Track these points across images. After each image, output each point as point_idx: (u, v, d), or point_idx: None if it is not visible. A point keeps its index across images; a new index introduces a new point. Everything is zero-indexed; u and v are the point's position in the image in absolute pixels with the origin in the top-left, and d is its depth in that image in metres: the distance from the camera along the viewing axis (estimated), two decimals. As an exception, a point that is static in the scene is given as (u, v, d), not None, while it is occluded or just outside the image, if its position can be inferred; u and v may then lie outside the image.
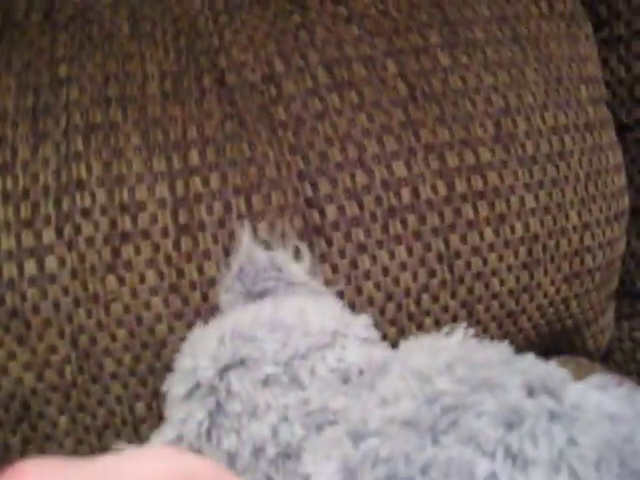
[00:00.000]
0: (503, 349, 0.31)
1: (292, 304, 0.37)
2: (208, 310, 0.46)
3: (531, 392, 0.27)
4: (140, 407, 0.48)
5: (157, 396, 0.47)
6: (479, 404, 0.27)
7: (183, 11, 0.53)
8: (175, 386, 0.35)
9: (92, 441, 0.48)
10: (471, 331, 0.32)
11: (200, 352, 0.35)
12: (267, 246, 0.44)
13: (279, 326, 0.34)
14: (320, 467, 0.28)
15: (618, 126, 0.61)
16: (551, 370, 0.29)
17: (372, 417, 0.29)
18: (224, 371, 0.33)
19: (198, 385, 0.34)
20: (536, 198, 0.51)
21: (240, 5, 0.52)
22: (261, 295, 0.40)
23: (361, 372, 0.33)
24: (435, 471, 0.26)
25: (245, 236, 0.42)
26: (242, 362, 0.33)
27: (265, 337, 0.34)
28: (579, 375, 0.58)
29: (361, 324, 0.37)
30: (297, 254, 0.44)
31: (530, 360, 0.30)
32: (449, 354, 0.30)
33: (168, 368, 0.39)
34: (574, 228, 0.53)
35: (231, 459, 0.32)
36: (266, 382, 0.32)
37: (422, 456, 0.26)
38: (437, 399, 0.28)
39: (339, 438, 0.29)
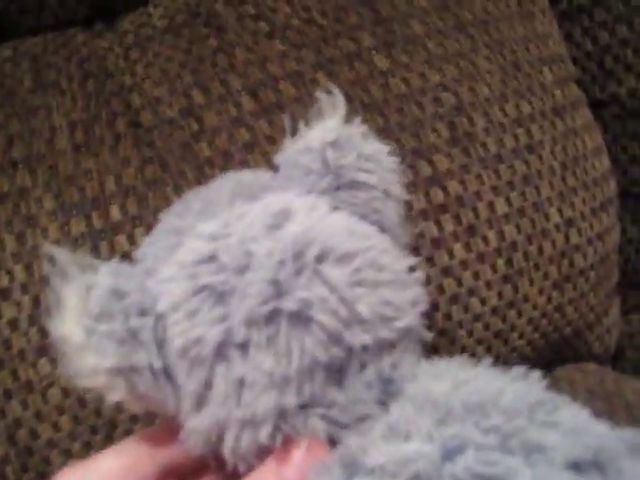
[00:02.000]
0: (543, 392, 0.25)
1: None
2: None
3: (577, 466, 0.21)
4: (96, 500, 0.43)
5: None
6: (512, 477, 0.21)
7: (91, 52, 0.48)
8: None
9: None
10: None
11: None
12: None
13: None
14: None
15: (592, 104, 0.55)
16: (606, 437, 0.23)
17: (373, 449, 0.23)
18: None
19: None
20: (507, 201, 0.45)
21: (151, 36, 0.47)
22: (348, 187, 0.30)
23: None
24: None
25: (339, 99, 0.31)
26: None
27: None
28: (589, 384, 0.52)
29: None
30: None
31: (578, 416, 0.24)
32: (476, 390, 0.24)
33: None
34: (556, 227, 0.47)
35: None
36: None
37: None
38: (460, 451, 0.22)
39: (330, 463, 0.24)
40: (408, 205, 0.43)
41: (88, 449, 0.42)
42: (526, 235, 0.46)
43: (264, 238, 0.26)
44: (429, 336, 0.29)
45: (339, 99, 0.31)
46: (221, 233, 0.26)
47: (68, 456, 0.42)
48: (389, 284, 0.26)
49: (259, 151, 0.43)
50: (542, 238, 0.46)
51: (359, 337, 0.25)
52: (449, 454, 0.22)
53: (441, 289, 0.44)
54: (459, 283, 0.44)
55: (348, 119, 0.30)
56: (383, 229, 0.29)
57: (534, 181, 0.46)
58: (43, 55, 0.47)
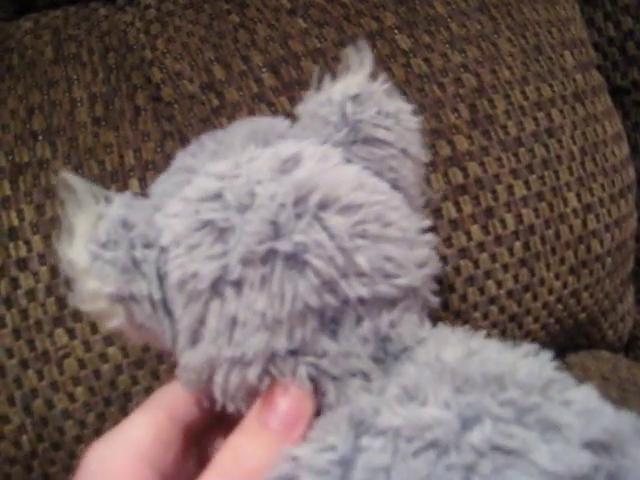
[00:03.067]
0: (553, 368, 0.25)
1: None
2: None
3: (589, 446, 0.21)
4: (109, 471, 0.43)
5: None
6: (529, 452, 0.21)
7: (111, 26, 0.47)
8: None
9: (62, 514, 0.43)
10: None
11: None
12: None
13: None
14: None
15: (613, 90, 0.54)
16: (617, 419, 0.23)
17: (387, 410, 0.23)
18: None
19: None
20: (526, 184, 0.45)
21: (173, 11, 0.47)
22: (364, 142, 0.29)
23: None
24: None
25: (367, 57, 0.31)
26: None
27: None
28: (602, 371, 0.52)
29: None
30: None
31: (590, 397, 0.24)
32: (491, 360, 0.24)
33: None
34: (574, 212, 0.47)
35: None
36: None
37: None
38: (477, 421, 0.22)
39: (338, 421, 0.24)
40: (428, 183, 0.43)
41: (102, 420, 0.43)
42: (544, 219, 0.45)
43: (270, 181, 0.26)
44: (435, 301, 0.29)
45: (367, 55, 0.31)
46: (229, 173, 0.27)
47: (83, 427, 0.43)
48: (394, 241, 0.26)
49: (279, 128, 0.43)
50: (560, 223, 0.46)
51: (355, 289, 0.25)
52: (467, 423, 0.22)
53: (458, 270, 0.44)
54: (476, 265, 0.44)
55: (374, 75, 0.30)
56: (398, 188, 0.29)
57: (553, 165, 0.46)
58: (64, 28, 0.47)
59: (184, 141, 0.43)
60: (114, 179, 0.43)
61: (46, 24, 0.48)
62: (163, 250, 0.26)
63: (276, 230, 0.25)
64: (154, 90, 0.44)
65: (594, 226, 0.48)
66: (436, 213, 0.43)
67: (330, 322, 0.25)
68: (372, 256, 0.25)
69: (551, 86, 0.48)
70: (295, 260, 0.25)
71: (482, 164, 0.44)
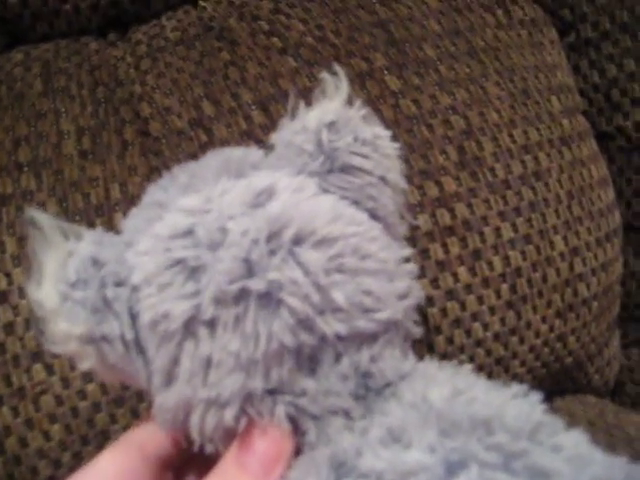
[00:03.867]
0: (542, 413, 0.24)
1: None
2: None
3: None
4: (83, 514, 0.42)
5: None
6: None
7: (102, 60, 0.48)
8: None
9: None
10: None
11: None
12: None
13: None
14: None
15: (598, 136, 0.55)
16: (608, 466, 0.22)
17: (369, 453, 0.22)
18: None
19: None
20: (514, 227, 0.45)
21: (164, 47, 0.47)
22: (341, 170, 0.28)
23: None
24: None
25: (343, 82, 0.30)
26: None
27: None
28: (589, 416, 0.51)
29: None
30: None
31: (580, 443, 0.23)
32: (478, 402, 0.23)
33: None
34: (561, 255, 0.47)
35: None
36: None
37: None
38: (462, 466, 0.21)
39: (319, 461, 0.23)
40: (413, 226, 0.43)
41: (78, 460, 0.41)
42: (531, 262, 0.45)
43: (242, 215, 0.25)
44: (418, 332, 0.28)
45: (343, 81, 0.30)
46: (201, 208, 0.26)
47: (57, 467, 0.41)
48: (373, 274, 0.25)
49: (267, 165, 0.43)
50: (547, 266, 0.46)
51: (333, 326, 0.24)
52: (452, 468, 0.21)
53: (444, 312, 0.43)
54: (463, 307, 0.43)
55: (350, 100, 0.29)
56: (377, 217, 0.28)
57: (540, 208, 0.46)
58: (55, 61, 0.47)
59: (171, 176, 0.43)
60: (99, 213, 0.42)
61: (37, 56, 0.48)
62: (135, 289, 0.25)
63: (249, 268, 0.24)
64: (142, 125, 0.44)
65: (581, 269, 0.48)
66: (423, 254, 0.43)
67: (308, 360, 0.24)
68: (349, 291, 0.24)
69: (538, 130, 0.48)
70: (269, 299, 0.24)
71: (470, 206, 0.44)
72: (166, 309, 0.24)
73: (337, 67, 0.30)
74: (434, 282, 0.43)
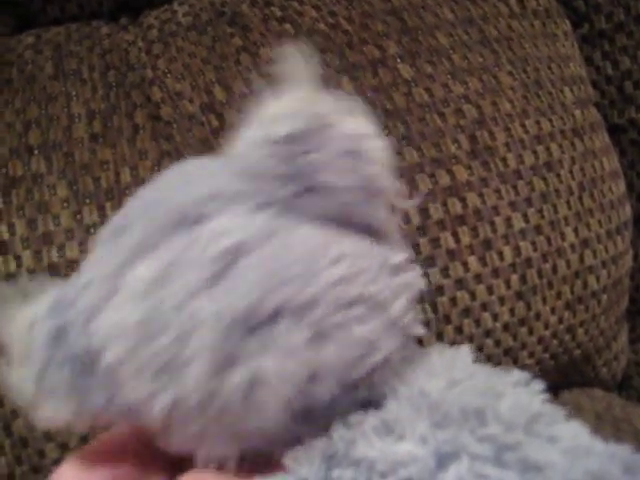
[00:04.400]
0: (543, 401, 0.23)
1: None
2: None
3: None
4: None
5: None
6: None
7: (113, 44, 0.47)
8: None
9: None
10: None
11: None
12: None
13: None
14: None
15: (610, 128, 0.55)
16: (605, 459, 0.21)
17: (362, 441, 0.21)
18: None
19: None
20: (525, 217, 0.45)
21: (175, 32, 0.47)
22: (311, 191, 0.22)
23: None
24: None
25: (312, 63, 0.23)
26: None
27: None
28: (596, 410, 0.51)
29: None
30: None
31: (578, 434, 0.22)
32: (474, 392, 0.23)
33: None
34: (572, 247, 0.46)
35: None
36: None
37: None
38: (453, 458, 0.20)
39: (312, 453, 0.22)
40: (425, 214, 0.43)
41: (86, 443, 0.41)
42: (541, 253, 0.45)
43: (208, 294, 0.21)
44: (421, 332, 0.25)
45: (311, 58, 0.23)
46: (158, 285, 0.22)
47: (64, 449, 0.41)
48: (362, 320, 0.22)
49: (279, 151, 0.42)
50: (557, 257, 0.46)
51: (325, 389, 0.22)
52: (443, 460, 0.21)
53: (454, 301, 0.43)
54: (472, 296, 0.43)
55: (322, 87, 0.23)
56: (368, 231, 0.24)
57: (552, 199, 0.46)
58: (66, 44, 0.47)
59: (182, 160, 0.42)
60: (109, 196, 0.42)
61: (48, 40, 0.48)
62: (109, 370, 0.23)
63: (226, 359, 0.21)
64: (153, 109, 0.44)
65: (591, 262, 0.47)
66: (434, 243, 0.43)
67: (300, 415, 0.23)
68: (338, 350, 0.22)
69: (550, 121, 0.48)
70: (252, 386, 0.22)
71: (481, 195, 0.44)
72: (144, 398, 0.22)
73: (302, 43, 0.23)
74: (444, 271, 0.43)
